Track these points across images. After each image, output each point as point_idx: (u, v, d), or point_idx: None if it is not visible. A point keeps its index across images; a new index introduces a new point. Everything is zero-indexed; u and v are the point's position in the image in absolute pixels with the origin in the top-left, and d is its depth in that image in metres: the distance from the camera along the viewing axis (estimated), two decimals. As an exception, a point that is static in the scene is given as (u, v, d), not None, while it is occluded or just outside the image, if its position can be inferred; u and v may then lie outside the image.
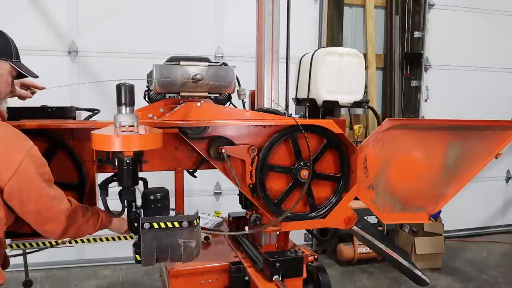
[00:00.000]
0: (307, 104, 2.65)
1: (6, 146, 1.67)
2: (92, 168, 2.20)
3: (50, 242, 2.12)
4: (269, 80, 2.52)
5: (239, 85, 2.46)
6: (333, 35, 5.40)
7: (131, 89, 1.83)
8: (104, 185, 2.09)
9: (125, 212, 1.98)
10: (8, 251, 2.07)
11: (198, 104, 2.26)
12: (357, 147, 2.40)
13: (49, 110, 2.26)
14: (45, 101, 2.35)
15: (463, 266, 5.11)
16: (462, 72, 5.84)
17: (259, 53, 2.55)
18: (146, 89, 2.60)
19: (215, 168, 2.34)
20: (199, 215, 1.92)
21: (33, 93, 2.39)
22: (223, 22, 4.88)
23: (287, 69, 2.54)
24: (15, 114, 2.15)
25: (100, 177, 2.18)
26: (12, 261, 2.17)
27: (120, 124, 1.76)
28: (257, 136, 2.32)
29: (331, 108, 2.66)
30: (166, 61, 2.35)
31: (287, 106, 2.57)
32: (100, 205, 2.19)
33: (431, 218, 2.60)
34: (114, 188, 2.04)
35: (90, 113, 2.44)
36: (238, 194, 2.64)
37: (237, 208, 2.75)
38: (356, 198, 2.47)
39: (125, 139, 1.69)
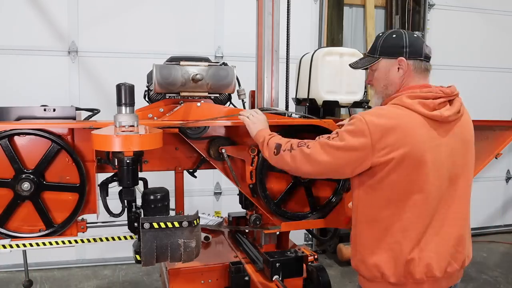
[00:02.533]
0: (307, 104, 2.65)
1: None
2: (92, 168, 2.20)
3: (50, 242, 2.11)
4: (269, 80, 2.52)
5: (239, 85, 2.46)
6: (333, 35, 5.39)
7: (131, 89, 1.84)
8: (104, 185, 2.09)
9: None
10: (8, 251, 2.07)
11: (198, 104, 2.26)
12: (357, 147, 2.39)
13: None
14: (45, 101, 2.35)
15: (463, 266, 5.10)
16: (462, 72, 5.83)
17: (259, 53, 2.55)
18: (146, 89, 2.60)
19: (215, 168, 2.34)
20: (199, 215, 1.92)
21: None
22: (223, 22, 4.88)
23: (287, 69, 2.54)
24: (14, 114, 2.15)
25: (100, 177, 2.18)
26: (12, 261, 2.16)
27: (120, 124, 1.76)
28: (257, 136, 2.32)
29: (331, 108, 2.66)
30: (166, 61, 2.35)
31: (287, 106, 2.57)
32: (100, 205, 2.19)
33: (431, 218, 2.59)
34: (114, 188, 2.05)
35: (90, 113, 2.44)
36: (238, 194, 2.64)
37: (237, 208, 2.75)
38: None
39: (125, 139, 1.69)
